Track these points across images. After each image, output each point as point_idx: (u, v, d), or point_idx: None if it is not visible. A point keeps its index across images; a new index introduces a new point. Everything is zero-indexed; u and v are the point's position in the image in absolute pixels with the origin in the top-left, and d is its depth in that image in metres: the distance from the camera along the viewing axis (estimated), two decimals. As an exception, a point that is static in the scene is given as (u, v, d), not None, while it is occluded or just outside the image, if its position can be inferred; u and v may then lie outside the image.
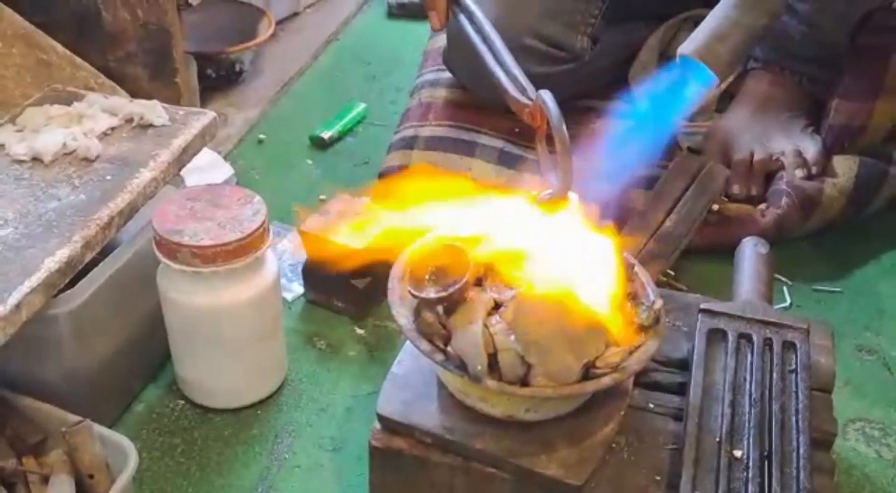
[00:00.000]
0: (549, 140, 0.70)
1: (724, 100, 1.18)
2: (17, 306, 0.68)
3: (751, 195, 1.09)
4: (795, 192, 1.07)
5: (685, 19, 1.24)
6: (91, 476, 0.71)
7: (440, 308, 0.67)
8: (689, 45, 0.84)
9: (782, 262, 0.99)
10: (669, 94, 0.91)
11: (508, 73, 0.76)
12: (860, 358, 0.95)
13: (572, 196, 0.70)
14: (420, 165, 1.09)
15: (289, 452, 0.83)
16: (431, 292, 0.67)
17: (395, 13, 1.61)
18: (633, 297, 0.71)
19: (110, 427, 0.78)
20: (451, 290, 0.66)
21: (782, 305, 1.00)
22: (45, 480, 0.71)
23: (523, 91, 0.74)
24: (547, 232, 0.70)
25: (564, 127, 0.68)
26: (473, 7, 0.87)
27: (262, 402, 0.87)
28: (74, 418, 0.72)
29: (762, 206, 1.08)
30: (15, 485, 0.71)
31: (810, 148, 1.10)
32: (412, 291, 0.67)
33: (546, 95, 0.70)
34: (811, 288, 1.03)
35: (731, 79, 0.99)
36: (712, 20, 0.83)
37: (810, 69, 1.14)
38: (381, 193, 0.98)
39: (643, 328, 0.70)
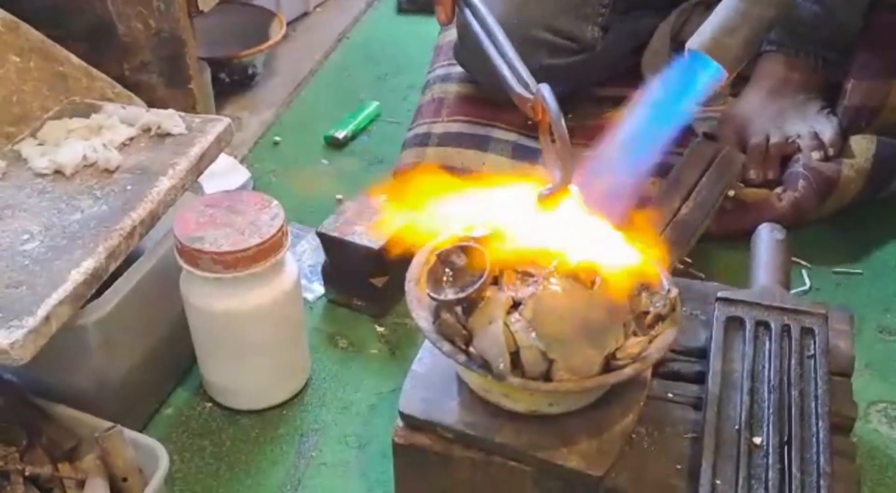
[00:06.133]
0: (552, 134, 0.71)
1: (739, 83, 1.17)
2: (47, 318, 0.70)
3: (767, 180, 1.09)
4: (812, 174, 1.06)
5: (697, 3, 1.23)
6: (125, 479, 0.73)
7: (459, 309, 0.68)
8: (697, 39, 0.84)
9: (801, 245, 0.99)
10: (682, 81, 0.91)
11: (511, 67, 0.77)
12: (881, 340, 0.95)
13: (573, 190, 0.70)
14: (429, 165, 1.10)
15: (315, 450, 0.85)
16: (450, 294, 0.68)
17: (406, 8, 1.61)
18: (648, 287, 0.72)
19: (141, 431, 0.81)
20: (468, 291, 0.67)
21: (802, 288, 1.00)
22: (81, 485, 0.72)
23: (525, 85, 0.75)
24: (560, 225, 0.71)
25: (563, 121, 0.68)
26: (477, 1, 0.87)
27: (287, 402, 0.89)
28: (106, 423, 0.74)
29: (779, 190, 1.07)
30: (52, 490, 0.73)
31: (827, 130, 1.10)
32: (430, 293, 0.68)
33: (545, 90, 0.70)
34: (831, 270, 1.03)
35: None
36: (720, 13, 0.83)
37: (825, 50, 1.13)
38: (396, 191, 0.99)
39: (660, 318, 0.70)
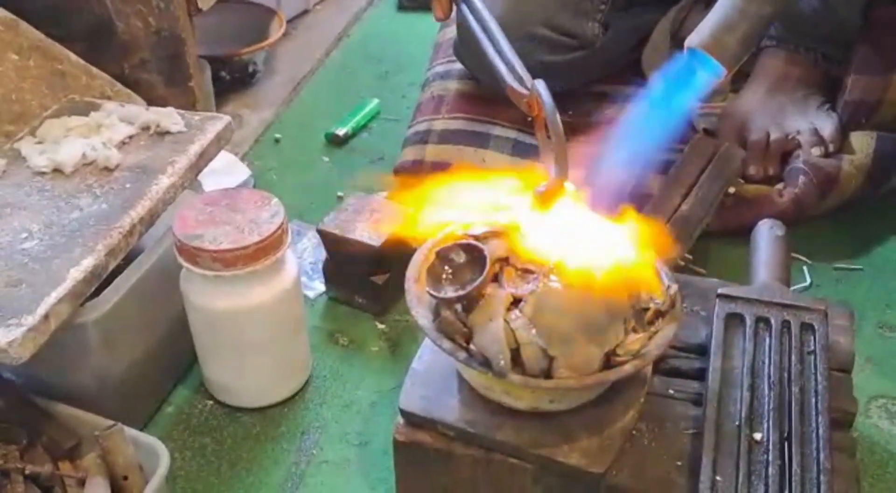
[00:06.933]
0: (547, 130, 0.71)
1: (739, 79, 1.17)
2: (46, 317, 0.70)
3: (768, 176, 1.09)
4: (813, 170, 1.06)
5: (696, 0, 1.23)
6: (125, 478, 0.73)
7: (459, 306, 0.68)
8: (695, 37, 0.84)
9: (801, 241, 0.99)
10: (682, 77, 0.91)
11: (507, 63, 0.77)
12: (882, 335, 0.95)
13: (568, 186, 0.70)
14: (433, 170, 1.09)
15: (316, 448, 0.85)
16: (450, 292, 0.68)
17: (406, 5, 1.61)
18: (648, 283, 0.72)
19: (142, 429, 0.81)
20: (469, 288, 0.67)
21: (802, 284, 1.00)
22: (81, 483, 0.73)
23: (521, 81, 0.74)
24: (559, 221, 0.71)
25: (558, 117, 0.68)
26: None
27: (288, 400, 0.89)
28: (107, 422, 0.74)
29: (779, 186, 1.07)
30: (52, 489, 0.73)
31: (827, 125, 1.09)
32: (430, 291, 0.68)
33: (540, 85, 0.70)
34: (831, 267, 1.03)
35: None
36: (719, 10, 0.83)
37: (825, 46, 1.13)
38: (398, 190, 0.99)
39: (660, 314, 0.70)
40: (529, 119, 1.15)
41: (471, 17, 0.86)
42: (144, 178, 0.84)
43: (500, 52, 0.78)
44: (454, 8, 0.94)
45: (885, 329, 0.95)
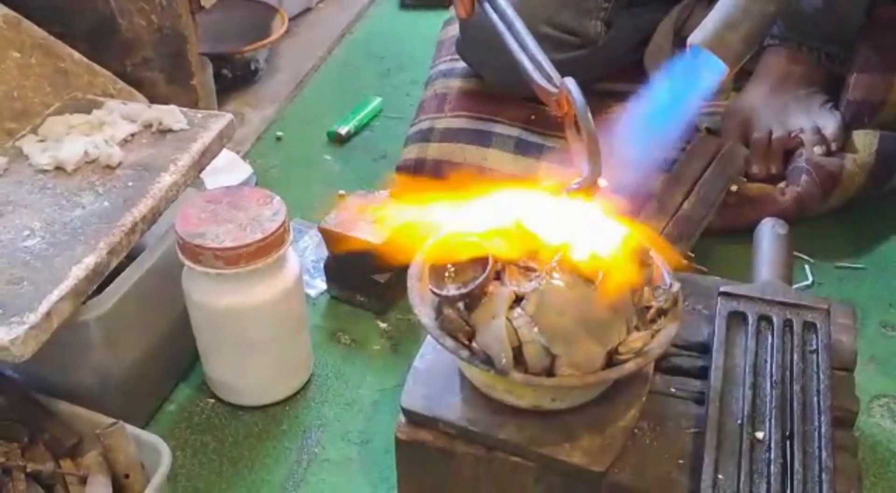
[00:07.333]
0: (578, 127, 0.71)
1: (741, 77, 1.17)
2: (48, 315, 0.70)
3: (770, 174, 1.09)
4: (815, 169, 1.06)
5: (699, -1, 1.23)
6: (127, 476, 0.73)
7: (461, 305, 0.68)
8: (698, 34, 0.84)
9: (804, 239, 0.99)
10: (685, 75, 0.91)
11: (533, 61, 0.76)
12: (884, 334, 0.95)
13: (602, 183, 0.70)
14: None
15: (318, 446, 0.85)
16: (452, 290, 0.67)
17: (409, 3, 1.61)
18: (650, 282, 0.72)
19: (143, 427, 0.81)
20: (471, 286, 0.67)
21: (804, 283, 1.00)
22: (83, 481, 0.73)
23: (549, 79, 0.74)
24: (564, 221, 0.71)
25: (590, 115, 0.67)
26: None
27: (289, 398, 0.89)
28: (108, 420, 0.74)
29: (782, 184, 1.07)
30: (53, 487, 0.73)
31: (829, 124, 1.09)
32: (433, 289, 0.68)
33: (570, 83, 0.70)
34: (834, 265, 1.03)
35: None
36: (722, 8, 0.83)
37: (827, 45, 1.13)
38: (400, 190, 0.99)
39: (662, 312, 0.70)
40: (533, 118, 1.17)
41: (493, 14, 0.85)
42: (146, 176, 0.84)
43: (525, 49, 0.78)
44: (476, 6, 0.94)
45: (888, 328, 0.95)
